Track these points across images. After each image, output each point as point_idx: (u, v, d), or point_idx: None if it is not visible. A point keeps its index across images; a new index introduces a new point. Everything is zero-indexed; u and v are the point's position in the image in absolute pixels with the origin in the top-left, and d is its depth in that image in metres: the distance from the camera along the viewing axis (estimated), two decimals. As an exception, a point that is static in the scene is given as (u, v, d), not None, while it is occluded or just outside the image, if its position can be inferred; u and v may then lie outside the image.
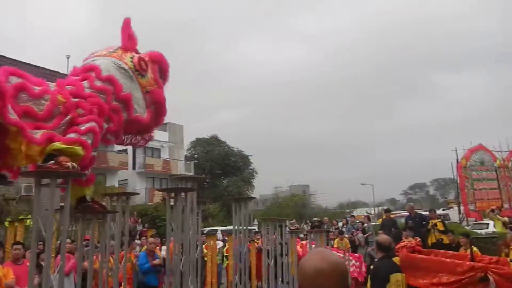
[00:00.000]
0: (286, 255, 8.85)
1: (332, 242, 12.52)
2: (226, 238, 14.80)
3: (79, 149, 3.40)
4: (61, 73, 18.84)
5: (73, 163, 3.27)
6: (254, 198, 7.90)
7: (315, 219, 17.47)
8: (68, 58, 24.06)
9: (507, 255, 7.56)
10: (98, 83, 3.97)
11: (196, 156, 40.37)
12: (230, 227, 20.52)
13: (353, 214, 21.90)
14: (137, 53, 4.47)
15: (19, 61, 19.52)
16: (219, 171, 38.94)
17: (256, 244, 12.75)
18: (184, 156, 37.83)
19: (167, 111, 4.65)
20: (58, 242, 5.38)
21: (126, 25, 4.46)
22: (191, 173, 30.26)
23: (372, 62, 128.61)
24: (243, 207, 6.40)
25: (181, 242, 4.76)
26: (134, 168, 31.83)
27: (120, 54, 4.36)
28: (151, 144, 33.34)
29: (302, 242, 11.77)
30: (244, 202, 6.46)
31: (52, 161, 3.26)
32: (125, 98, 4.13)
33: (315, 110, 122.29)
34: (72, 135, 3.47)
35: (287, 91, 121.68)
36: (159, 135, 33.89)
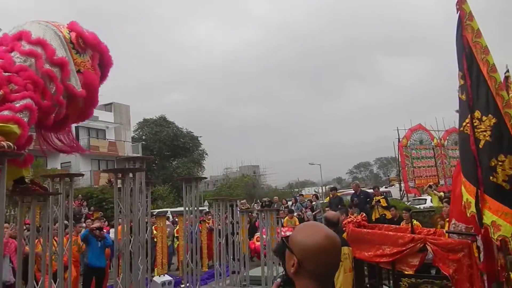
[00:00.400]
0: (237, 233, 8.93)
1: (282, 220, 12.79)
2: (177, 219, 14.71)
3: (14, 127, 3.20)
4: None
5: (8, 142, 3.06)
6: (205, 178, 7.86)
7: (265, 199, 17.74)
8: None
9: (442, 227, 8.08)
10: (27, 47, 3.69)
11: (144, 137, 39.40)
12: (180, 209, 20.40)
13: (301, 193, 22.46)
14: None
15: None
16: (168, 152, 38.32)
17: (207, 224, 12.80)
18: (131, 137, 36.80)
19: (98, 102, 4.41)
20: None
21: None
22: (139, 155, 29.53)
23: (321, 44, 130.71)
24: (193, 187, 6.34)
25: (130, 223, 4.63)
26: (78, 150, 30.51)
27: (58, 25, 4.11)
28: (95, 125, 32.11)
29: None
30: (194, 182, 6.41)
31: None
32: (60, 62, 3.85)
33: (264, 91, 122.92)
34: (6, 113, 3.24)
35: (236, 73, 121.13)
36: (104, 116, 32.70)
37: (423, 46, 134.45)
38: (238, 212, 9.63)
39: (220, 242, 8.32)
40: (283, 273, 1.85)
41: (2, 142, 3.01)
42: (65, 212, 4.77)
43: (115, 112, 34.11)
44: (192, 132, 41.53)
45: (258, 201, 19.34)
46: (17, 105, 3.30)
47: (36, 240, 4.21)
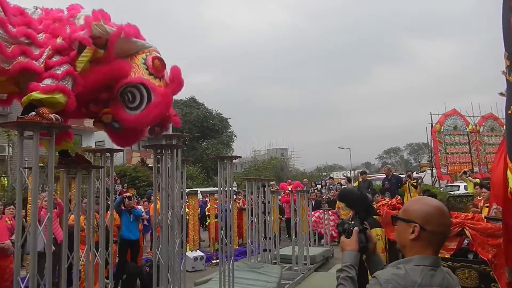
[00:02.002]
0: (269, 213, 8.99)
1: (312, 202, 12.80)
2: (207, 199, 14.94)
3: (59, 97, 3.13)
4: None
5: (56, 115, 3.09)
6: (239, 157, 7.86)
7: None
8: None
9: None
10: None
11: (174, 118, 39.84)
12: (210, 189, 20.62)
13: (331, 176, 22.29)
14: None
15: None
16: (198, 133, 38.71)
17: (237, 203, 12.95)
18: (162, 118, 37.25)
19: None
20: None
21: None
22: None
23: (349, 23, 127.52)
24: (227, 166, 6.38)
25: (167, 197, 4.72)
26: (111, 129, 31.23)
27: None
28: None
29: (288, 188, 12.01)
30: (228, 160, 6.44)
31: (33, 113, 3.06)
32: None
33: (293, 74, 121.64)
34: (48, 82, 3.14)
35: (262, 52, 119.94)
36: (136, 96, 33.21)
37: (459, 27, 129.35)
38: (270, 192, 9.66)
39: (252, 221, 8.40)
40: (349, 222, 1.90)
41: (50, 115, 3.04)
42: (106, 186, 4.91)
43: (146, 92, 34.55)
44: (221, 114, 41.74)
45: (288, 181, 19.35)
46: (58, 71, 3.19)
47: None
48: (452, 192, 16.40)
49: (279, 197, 12.67)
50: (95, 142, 28.62)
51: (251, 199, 8.78)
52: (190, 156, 34.54)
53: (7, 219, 6.13)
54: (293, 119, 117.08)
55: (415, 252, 1.64)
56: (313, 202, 13.15)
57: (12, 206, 6.69)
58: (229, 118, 42.26)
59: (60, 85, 3.14)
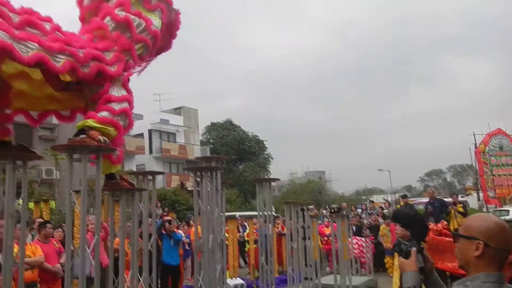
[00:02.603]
0: (309, 238, 8.78)
1: (353, 227, 12.44)
2: (246, 224, 14.83)
3: (111, 130, 3.35)
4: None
5: (104, 137, 3.21)
6: (277, 179, 7.74)
7: (334, 205, 17.37)
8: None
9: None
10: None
11: (211, 140, 40.42)
12: (248, 213, 20.51)
13: (371, 200, 21.72)
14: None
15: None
16: (235, 156, 39.00)
17: (275, 228, 12.74)
18: (199, 140, 37.92)
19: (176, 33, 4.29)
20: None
21: None
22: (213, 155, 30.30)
23: (381, 44, 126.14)
24: (266, 188, 6.33)
25: (208, 221, 4.71)
26: (151, 152, 32.03)
27: None
28: (167, 128, 33.52)
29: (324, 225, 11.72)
30: (267, 183, 6.39)
31: (83, 135, 3.20)
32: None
33: (329, 95, 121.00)
34: (105, 114, 3.35)
35: (295, 76, 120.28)
36: (174, 119, 34.03)
37: (496, 44, 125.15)
38: (309, 217, 9.47)
39: (292, 247, 8.22)
40: (405, 243, 1.94)
41: (98, 137, 3.18)
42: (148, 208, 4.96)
43: (184, 116, 35.37)
44: (257, 136, 41.92)
45: (327, 207, 19.00)
46: (116, 108, 3.41)
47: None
48: (501, 217, 15.52)
49: (319, 222, 12.40)
50: (136, 165, 29.32)
51: (290, 223, 8.62)
52: (228, 179, 34.73)
53: (54, 242, 6.29)
54: (329, 141, 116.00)
55: (480, 270, 1.63)
56: (354, 228, 12.77)
57: (60, 229, 6.87)
58: (265, 140, 42.41)
59: (114, 120, 3.36)
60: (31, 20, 3.05)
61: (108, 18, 3.62)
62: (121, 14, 3.63)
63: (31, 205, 9.22)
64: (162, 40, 4.02)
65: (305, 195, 34.59)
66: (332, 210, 15.69)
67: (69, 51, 3.10)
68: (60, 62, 3.01)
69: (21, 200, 3.95)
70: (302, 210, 8.78)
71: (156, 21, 3.83)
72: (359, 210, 16.25)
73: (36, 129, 18.86)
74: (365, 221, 14.16)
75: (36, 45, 2.92)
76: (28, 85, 3.38)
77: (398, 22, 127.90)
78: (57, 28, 3.30)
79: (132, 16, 3.66)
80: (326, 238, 12.29)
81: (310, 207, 15.53)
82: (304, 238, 8.57)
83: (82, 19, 3.86)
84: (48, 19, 3.31)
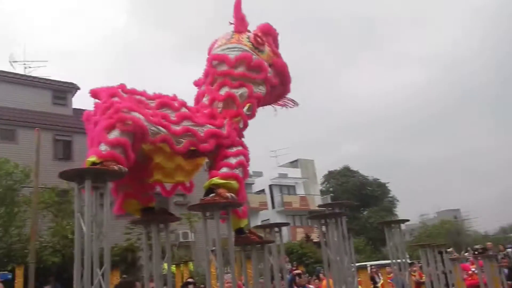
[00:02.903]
0: (453, 285, 7.92)
1: (505, 270, 10.90)
2: (379, 273, 13.95)
3: (234, 183, 3.68)
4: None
5: (232, 193, 3.49)
6: (408, 220, 7.19)
7: (477, 246, 15.52)
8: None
9: None
10: (235, 80, 4.30)
11: (331, 189, 39.84)
12: (380, 262, 19.27)
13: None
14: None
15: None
16: (357, 202, 37.70)
17: (412, 277, 11.73)
18: (319, 190, 37.66)
19: (291, 79, 4.80)
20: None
21: (237, 8, 4.72)
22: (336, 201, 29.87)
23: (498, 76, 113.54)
24: (396, 232, 5.98)
25: (338, 271, 4.59)
26: (273, 207, 32.68)
27: (237, 38, 4.59)
28: (286, 182, 34.12)
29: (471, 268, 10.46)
30: (396, 225, 6.04)
31: (213, 194, 3.52)
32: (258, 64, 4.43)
33: (444, 129, 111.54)
34: (225, 170, 3.72)
35: (409, 115, 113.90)
36: (292, 172, 34.57)
37: None
38: (450, 260, 8.60)
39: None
40: None
41: (226, 193, 3.47)
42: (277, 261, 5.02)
43: (301, 168, 35.73)
44: (378, 179, 40.20)
45: (469, 249, 17.04)
46: (233, 162, 3.79)
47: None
48: None
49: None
50: (261, 221, 30.06)
51: (429, 270, 7.89)
52: (353, 226, 33.47)
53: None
54: (458, 176, 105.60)
55: None
56: (506, 271, 11.17)
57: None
58: (387, 183, 40.40)
59: (235, 173, 3.74)
60: (165, 102, 3.80)
61: (216, 102, 4.23)
62: (223, 91, 4.23)
63: (173, 268, 9.97)
64: (275, 92, 4.66)
65: (440, 238, 31.50)
66: (476, 252, 14.03)
67: (192, 132, 3.72)
68: (181, 143, 3.63)
69: (165, 264, 4.35)
70: (440, 253, 8.03)
71: (257, 88, 4.36)
72: (510, 250, 14.26)
73: (171, 197, 20.84)
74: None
75: (164, 130, 3.58)
76: (162, 157, 3.90)
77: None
78: (183, 104, 3.90)
79: (234, 90, 4.23)
80: (470, 272, 10.81)
81: (449, 250, 14.13)
82: (446, 285, 7.75)
83: (197, 99, 4.51)
84: (174, 98, 3.99)
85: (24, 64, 22.09)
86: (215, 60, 4.46)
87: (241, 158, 3.88)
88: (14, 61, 21.98)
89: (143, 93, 3.85)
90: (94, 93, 3.78)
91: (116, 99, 3.52)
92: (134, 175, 3.58)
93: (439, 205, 49.86)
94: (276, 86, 4.62)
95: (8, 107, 19.08)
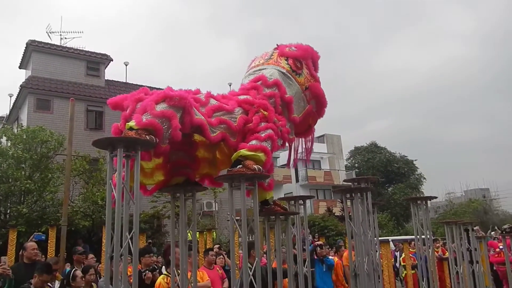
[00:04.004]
0: (477, 262, 7.84)
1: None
2: (398, 249, 13.96)
3: (261, 155, 3.72)
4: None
5: (259, 165, 3.54)
6: (435, 197, 7.09)
7: (506, 225, 15.21)
8: (230, 85, 26.33)
9: None
10: (267, 90, 4.29)
11: (356, 165, 39.59)
12: (402, 237, 19.22)
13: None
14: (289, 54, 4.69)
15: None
16: (383, 179, 37.40)
17: (436, 252, 11.68)
18: (344, 166, 37.47)
19: (327, 102, 4.82)
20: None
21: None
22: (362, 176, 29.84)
23: None
24: (422, 208, 5.94)
25: (361, 243, 4.63)
26: (297, 181, 32.81)
27: (276, 59, 4.62)
28: (311, 156, 34.02)
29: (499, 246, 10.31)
30: (423, 201, 5.99)
31: (240, 165, 3.57)
32: (288, 101, 4.40)
33: (478, 107, 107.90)
34: (253, 142, 3.78)
35: (441, 90, 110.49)
36: (317, 147, 34.37)
37: None
38: (475, 238, 8.48)
39: (457, 272, 7.44)
40: None
41: (253, 165, 3.52)
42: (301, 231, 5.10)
43: (327, 143, 35.53)
44: (406, 156, 39.63)
45: (496, 228, 16.75)
46: (262, 135, 3.83)
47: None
48: None
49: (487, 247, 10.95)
50: (284, 194, 30.28)
51: (453, 247, 7.82)
52: (377, 202, 33.37)
53: (217, 268, 6.88)
54: (491, 154, 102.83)
55: None
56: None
57: (221, 256, 7.54)
58: (415, 160, 39.80)
59: (263, 145, 3.77)
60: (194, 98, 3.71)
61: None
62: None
63: (197, 235, 10.27)
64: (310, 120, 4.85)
65: (466, 216, 31.05)
66: (504, 231, 13.76)
67: (226, 123, 3.75)
68: (215, 132, 3.65)
69: (190, 231, 4.48)
70: (466, 231, 7.93)
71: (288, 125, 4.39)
72: (539, 231, 13.92)
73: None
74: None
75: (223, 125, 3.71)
76: (204, 150, 3.99)
77: None
78: (210, 95, 3.93)
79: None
80: (498, 250, 10.66)
81: (476, 228, 13.90)
82: (471, 262, 7.69)
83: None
84: (198, 91, 3.96)
85: (60, 34, 22.46)
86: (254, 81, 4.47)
87: (270, 131, 3.90)
88: (51, 32, 22.37)
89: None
90: (114, 104, 3.58)
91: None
92: (182, 148, 3.64)
93: (467, 184, 48.93)
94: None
95: (44, 77, 19.59)
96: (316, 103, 4.73)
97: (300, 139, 5.05)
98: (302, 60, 4.63)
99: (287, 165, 4.95)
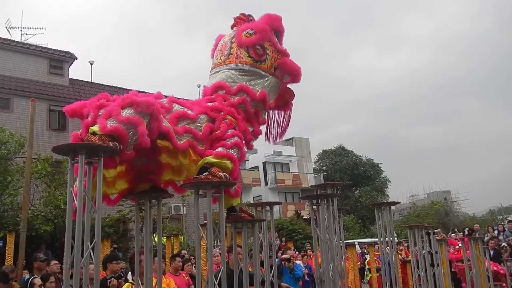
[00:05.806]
0: (438, 265, 8.10)
1: (491, 251, 11.15)
2: (365, 251, 14.26)
3: (228, 163, 3.68)
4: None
5: (225, 173, 3.52)
6: (398, 202, 7.29)
7: (465, 228, 15.85)
8: (199, 87, 26.14)
9: None
10: (234, 98, 4.17)
11: (324, 168, 40.13)
12: (368, 240, 19.62)
13: (510, 219, 19.29)
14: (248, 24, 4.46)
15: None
16: (350, 182, 38.08)
17: (399, 255, 11.98)
18: (312, 169, 37.92)
19: (299, 68, 4.52)
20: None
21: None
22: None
23: (494, 50, 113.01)
24: (386, 212, 6.07)
25: (327, 249, 4.68)
26: (266, 184, 32.94)
27: (236, 53, 4.35)
28: (280, 159, 34.26)
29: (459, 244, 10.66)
30: (387, 207, 6.13)
31: (206, 173, 3.54)
32: (262, 98, 4.29)
33: (437, 111, 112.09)
34: (220, 149, 3.74)
35: (403, 96, 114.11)
36: (286, 150, 34.69)
37: None
38: (436, 241, 8.76)
39: (419, 275, 7.65)
40: None
41: (220, 173, 3.49)
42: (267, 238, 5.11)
43: (296, 146, 35.90)
44: (372, 160, 40.51)
45: (456, 230, 17.38)
46: (229, 142, 3.79)
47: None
48: None
49: (447, 247, 11.32)
50: (253, 197, 30.31)
51: (415, 249, 8.05)
52: (344, 205, 33.99)
53: (184, 275, 6.79)
54: (452, 158, 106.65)
55: None
56: (491, 252, 11.42)
57: (190, 263, 7.45)
58: (381, 163, 40.72)
59: (229, 153, 3.73)
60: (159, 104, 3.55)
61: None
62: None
63: (164, 240, 10.10)
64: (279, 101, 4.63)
65: (429, 218, 32.09)
66: (463, 234, 14.32)
67: (191, 132, 3.67)
68: (182, 140, 3.56)
69: (156, 235, 4.39)
70: (428, 234, 8.17)
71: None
72: (496, 232, 14.56)
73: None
74: (503, 244, 12.60)
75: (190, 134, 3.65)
76: (167, 155, 3.73)
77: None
78: (173, 100, 3.81)
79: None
80: (457, 247, 10.98)
81: (437, 230, 14.39)
82: (432, 265, 7.94)
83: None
84: (160, 96, 3.84)
85: (21, 30, 21.66)
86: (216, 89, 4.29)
87: (236, 139, 3.86)
88: (11, 27, 21.54)
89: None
90: (72, 112, 3.39)
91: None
92: (145, 154, 3.49)
93: (430, 186, 50.48)
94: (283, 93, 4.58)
95: (3, 75, 18.79)
96: (289, 75, 4.50)
97: (280, 112, 4.77)
98: (263, 43, 4.32)
99: (266, 137, 4.70)
